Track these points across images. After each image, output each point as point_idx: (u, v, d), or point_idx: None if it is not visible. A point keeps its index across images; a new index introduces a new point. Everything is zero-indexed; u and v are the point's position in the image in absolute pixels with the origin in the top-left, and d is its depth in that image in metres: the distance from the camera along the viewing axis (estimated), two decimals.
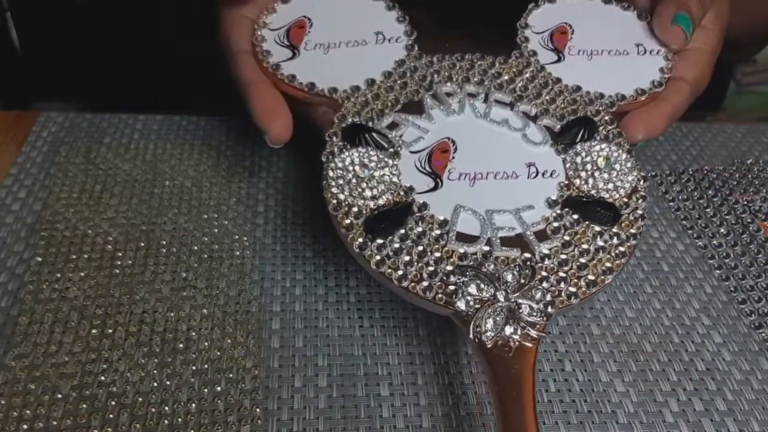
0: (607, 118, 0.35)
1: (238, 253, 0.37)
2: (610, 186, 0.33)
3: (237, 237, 0.38)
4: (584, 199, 0.32)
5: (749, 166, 0.46)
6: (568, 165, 0.34)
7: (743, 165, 0.46)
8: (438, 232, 0.31)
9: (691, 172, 0.45)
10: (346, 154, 0.32)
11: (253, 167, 0.43)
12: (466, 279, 0.29)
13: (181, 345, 0.32)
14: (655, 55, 0.38)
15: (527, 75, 0.37)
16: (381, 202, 0.31)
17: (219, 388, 0.30)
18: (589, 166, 0.33)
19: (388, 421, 0.30)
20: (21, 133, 0.44)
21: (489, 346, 0.28)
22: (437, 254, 0.30)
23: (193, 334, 0.33)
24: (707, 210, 0.42)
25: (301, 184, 0.42)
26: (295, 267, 0.37)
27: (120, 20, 0.54)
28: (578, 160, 0.34)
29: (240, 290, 0.35)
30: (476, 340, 0.28)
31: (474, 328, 0.28)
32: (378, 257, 0.30)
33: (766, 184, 0.44)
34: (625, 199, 0.33)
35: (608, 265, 0.30)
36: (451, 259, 0.30)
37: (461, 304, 0.28)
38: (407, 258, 0.30)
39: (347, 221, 0.31)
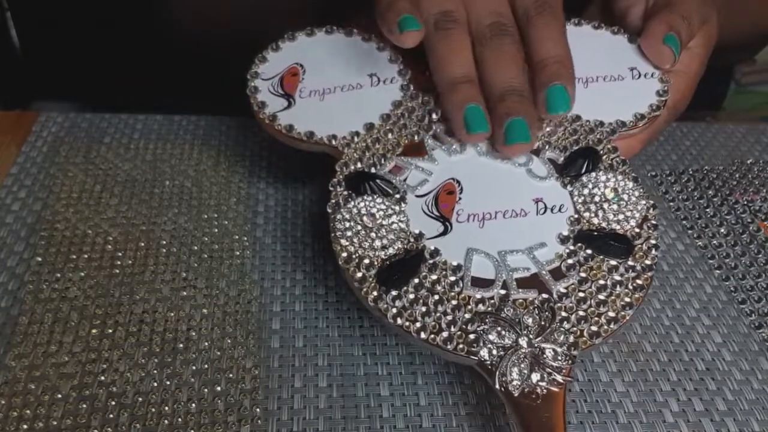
0: (609, 146, 0.35)
1: (238, 253, 0.37)
2: (621, 217, 0.32)
3: (237, 237, 0.38)
4: (596, 233, 0.32)
5: (749, 166, 0.46)
6: (575, 198, 0.33)
7: (743, 165, 0.46)
8: (453, 278, 0.30)
9: (691, 172, 0.45)
10: (352, 204, 0.32)
11: (253, 167, 0.43)
12: (486, 326, 0.29)
13: (181, 345, 0.32)
14: (650, 78, 0.38)
15: None
16: (391, 251, 0.31)
17: (219, 388, 0.30)
18: (597, 198, 0.33)
19: (388, 421, 0.30)
20: (21, 133, 0.44)
21: (516, 395, 0.27)
22: (454, 302, 0.29)
23: (193, 334, 0.33)
24: (707, 210, 0.42)
25: (301, 184, 0.42)
26: (295, 267, 0.37)
27: (120, 20, 0.54)
28: (585, 192, 0.33)
29: (240, 290, 0.35)
30: (502, 389, 0.27)
31: (499, 377, 0.27)
32: (394, 310, 0.29)
33: (766, 184, 0.44)
34: (637, 229, 0.32)
35: (627, 300, 0.30)
36: (469, 306, 0.29)
37: (484, 353, 0.28)
38: (424, 308, 0.29)
39: (359, 274, 0.30)
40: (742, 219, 0.41)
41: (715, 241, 0.40)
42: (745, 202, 0.43)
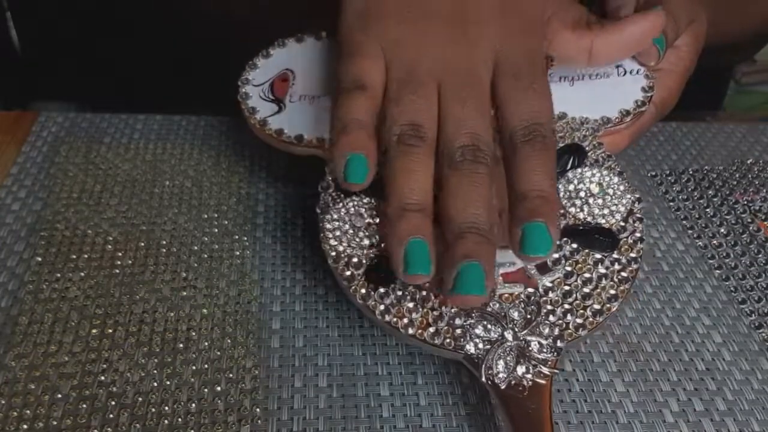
0: (595, 142, 0.35)
1: (238, 253, 0.37)
2: (606, 211, 0.33)
3: (237, 237, 0.38)
4: (581, 227, 0.32)
5: (749, 166, 0.46)
6: (561, 194, 0.33)
7: (743, 165, 0.46)
8: None
9: (691, 172, 0.45)
10: (341, 204, 0.32)
11: (253, 167, 0.43)
12: (472, 321, 0.29)
13: (181, 345, 0.32)
14: (635, 74, 0.38)
15: None
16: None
17: (219, 388, 0.30)
18: (582, 193, 0.33)
19: (388, 421, 0.30)
20: (21, 133, 0.44)
21: (502, 387, 0.28)
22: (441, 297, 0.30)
23: (193, 334, 0.33)
24: (707, 210, 0.42)
25: (301, 184, 0.42)
26: (295, 267, 0.37)
27: (120, 20, 0.54)
28: (571, 187, 0.34)
29: (240, 290, 0.35)
30: (489, 382, 0.28)
31: (486, 370, 0.28)
32: (382, 306, 0.30)
33: (766, 184, 0.44)
34: (622, 223, 0.32)
35: (612, 292, 0.30)
36: None
37: (470, 347, 0.29)
38: (411, 305, 0.30)
39: (348, 273, 0.31)
40: (742, 219, 0.41)
41: (715, 241, 0.40)
42: (745, 202, 0.43)
